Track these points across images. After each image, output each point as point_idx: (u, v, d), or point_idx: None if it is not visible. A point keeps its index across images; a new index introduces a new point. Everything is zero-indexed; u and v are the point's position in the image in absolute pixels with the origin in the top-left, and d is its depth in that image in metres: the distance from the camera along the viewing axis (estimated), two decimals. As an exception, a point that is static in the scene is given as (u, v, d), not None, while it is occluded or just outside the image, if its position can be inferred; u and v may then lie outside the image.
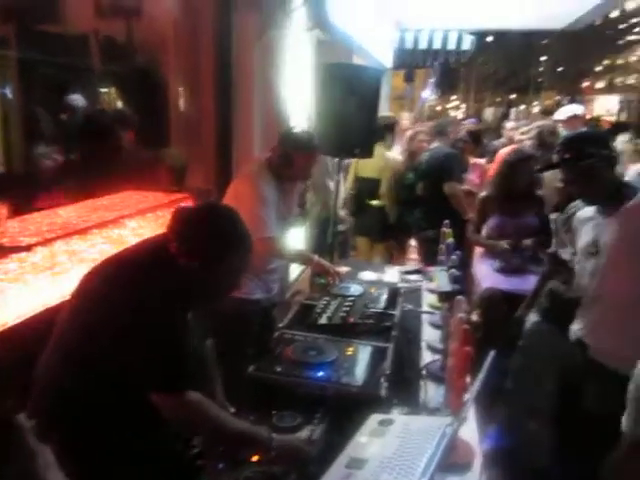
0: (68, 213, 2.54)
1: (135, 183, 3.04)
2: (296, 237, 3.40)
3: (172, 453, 1.57)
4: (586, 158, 2.05)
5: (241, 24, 2.91)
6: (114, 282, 1.47)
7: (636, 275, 2.03)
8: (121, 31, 3.03)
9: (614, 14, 33.35)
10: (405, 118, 8.23)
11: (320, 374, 1.76)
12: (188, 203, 2.74)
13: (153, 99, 3.19)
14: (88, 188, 2.88)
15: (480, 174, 4.66)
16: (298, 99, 3.49)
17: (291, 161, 2.60)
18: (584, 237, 2.21)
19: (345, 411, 1.65)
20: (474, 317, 3.63)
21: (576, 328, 2.26)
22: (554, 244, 2.29)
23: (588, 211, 2.23)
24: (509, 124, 6.30)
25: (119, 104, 3.81)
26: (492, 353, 1.37)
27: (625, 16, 33.80)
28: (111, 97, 3.86)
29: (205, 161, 3.21)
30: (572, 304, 2.33)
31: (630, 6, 30.96)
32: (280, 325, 2.19)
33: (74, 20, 3.18)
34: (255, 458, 1.50)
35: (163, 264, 1.45)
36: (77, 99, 3.34)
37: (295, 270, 4.26)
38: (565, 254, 2.22)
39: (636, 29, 36.01)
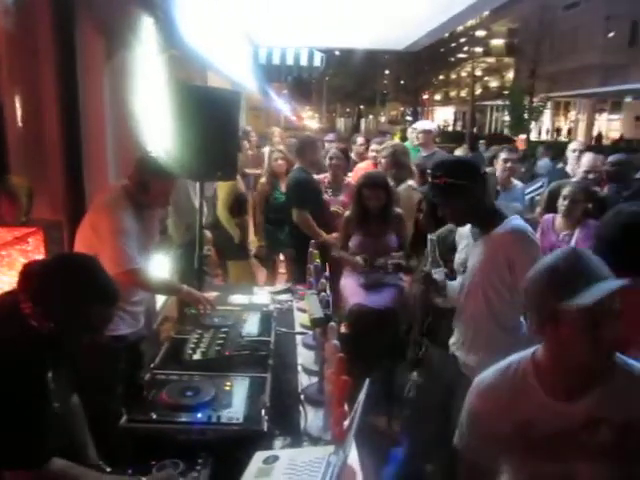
0: None
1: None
2: (160, 265, 3.25)
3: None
4: (450, 183, 2.11)
5: (86, 45, 2.73)
6: None
7: (489, 298, 2.15)
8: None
9: (446, 34, 36.85)
10: (276, 134, 8.30)
11: (199, 416, 1.70)
12: (38, 256, 2.46)
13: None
14: None
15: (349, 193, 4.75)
16: (155, 121, 3.36)
17: (148, 188, 2.51)
18: (458, 254, 2.36)
19: (229, 451, 1.62)
20: (343, 329, 3.77)
21: (451, 342, 2.39)
22: (428, 263, 2.32)
23: (466, 229, 2.36)
24: (359, 139, 6.52)
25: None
26: (366, 382, 1.42)
27: (454, 36, 37.48)
28: None
29: (52, 190, 2.93)
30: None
31: (459, 27, 34.45)
32: (151, 365, 2.08)
33: None
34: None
35: (12, 328, 1.31)
36: None
37: (161, 297, 4.08)
38: (437, 274, 2.28)
39: (465, 48, 40.10)
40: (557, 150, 9.52)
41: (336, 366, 1.62)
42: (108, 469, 1.58)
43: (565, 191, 3.43)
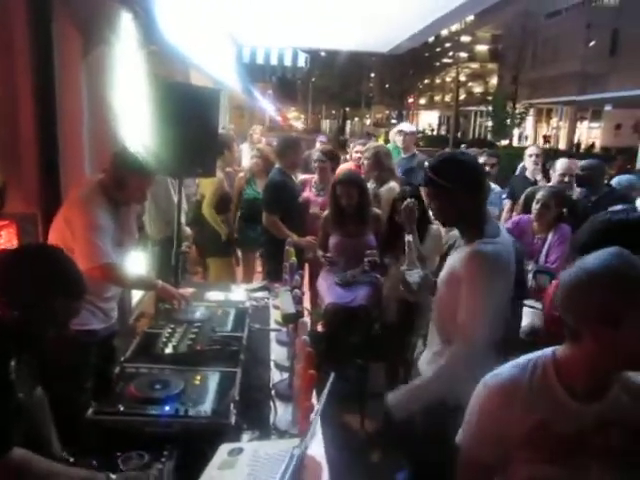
0: None
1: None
2: (137, 260, 3.24)
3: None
4: (432, 180, 1.99)
5: (62, 39, 2.71)
6: None
7: (441, 311, 2.08)
8: None
9: (431, 39, 37.14)
10: (257, 132, 8.30)
11: (167, 409, 1.71)
12: (5, 246, 2.45)
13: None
14: None
15: None
16: (133, 116, 3.35)
17: (125, 184, 2.49)
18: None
19: (196, 443, 1.63)
20: (319, 328, 3.80)
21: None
22: (406, 264, 2.26)
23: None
24: (352, 144, 6.62)
25: None
26: (332, 375, 1.44)
27: (440, 41, 37.82)
28: None
29: (27, 183, 2.91)
30: None
31: (444, 32, 34.75)
32: (122, 358, 2.08)
33: None
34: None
35: None
36: None
37: (138, 293, 4.06)
38: (412, 276, 2.22)
39: (450, 53, 40.48)
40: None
41: (304, 360, 1.65)
42: (71, 459, 1.58)
43: (538, 195, 3.49)
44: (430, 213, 3.54)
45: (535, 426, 1.30)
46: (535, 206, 3.47)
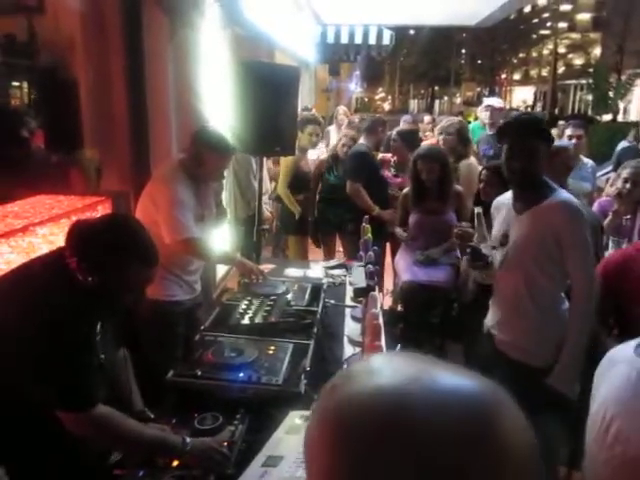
0: (-28, 221, 2.40)
1: (47, 187, 2.91)
2: (221, 237, 3.38)
3: (86, 464, 1.55)
4: (530, 137, 2.05)
5: (151, 23, 2.85)
6: (9, 303, 1.42)
7: (530, 274, 2.10)
8: (22, 29, 2.88)
9: (527, 9, 35.06)
10: (340, 112, 8.29)
11: (240, 375, 1.78)
12: (88, 215, 2.63)
13: (63, 99, 3.06)
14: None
15: None
16: (216, 97, 3.46)
17: (203, 161, 2.57)
18: (497, 226, 2.28)
19: (266, 409, 1.69)
20: (399, 308, 3.78)
21: (487, 319, 2.35)
22: (476, 237, 2.30)
23: (504, 199, 2.27)
24: (426, 118, 6.45)
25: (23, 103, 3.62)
26: (398, 347, 1.43)
27: (537, 11, 35.58)
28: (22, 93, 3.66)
29: (120, 162, 3.11)
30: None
31: (542, 1, 32.64)
32: (202, 327, 2.19)
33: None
34: (175, 463, 1.51)
35: (61, 281, 1.42)
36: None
37: (222, 269, 4.23)
38: (485, 248, 2.25)
39: (547, 24, 38.01)
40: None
41: (371, 333, 1.65)
42: (152, 416, 1.70)
43: (625, 174, 3.11)
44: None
45: None
46: (623, 185, 3.09)
